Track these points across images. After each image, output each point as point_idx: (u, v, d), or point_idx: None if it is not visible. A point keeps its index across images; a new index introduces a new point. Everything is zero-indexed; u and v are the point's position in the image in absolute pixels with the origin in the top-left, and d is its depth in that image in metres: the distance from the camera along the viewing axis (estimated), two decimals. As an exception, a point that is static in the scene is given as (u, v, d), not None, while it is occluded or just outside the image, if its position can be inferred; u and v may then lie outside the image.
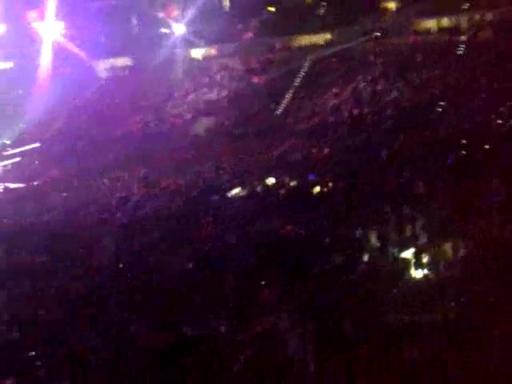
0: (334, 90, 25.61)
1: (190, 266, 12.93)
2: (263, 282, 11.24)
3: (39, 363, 9.66)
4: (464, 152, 15.91)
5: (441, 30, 27.56)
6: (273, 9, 33.25)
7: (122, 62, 33.91)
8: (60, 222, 17.81)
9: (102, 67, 33.71)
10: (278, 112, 25.95)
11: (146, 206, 17.73)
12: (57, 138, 27.30)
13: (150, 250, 14.03)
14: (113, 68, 33.90)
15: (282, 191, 16.69)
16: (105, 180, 21.10)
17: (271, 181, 17.58)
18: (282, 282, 11.04)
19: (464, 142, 16.45)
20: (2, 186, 23.83)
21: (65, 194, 21.17)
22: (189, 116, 28.26)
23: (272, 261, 12.09)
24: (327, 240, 12.63)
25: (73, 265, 13.82)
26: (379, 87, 24.50)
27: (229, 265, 12.35)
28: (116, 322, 10.69)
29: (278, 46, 31.11)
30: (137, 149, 23.86)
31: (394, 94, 23.55)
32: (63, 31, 30.93)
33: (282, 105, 26.32)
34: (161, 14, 32.57)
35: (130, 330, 10.43)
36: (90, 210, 18.25)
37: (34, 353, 10.04)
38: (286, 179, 17.30)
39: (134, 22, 34.49)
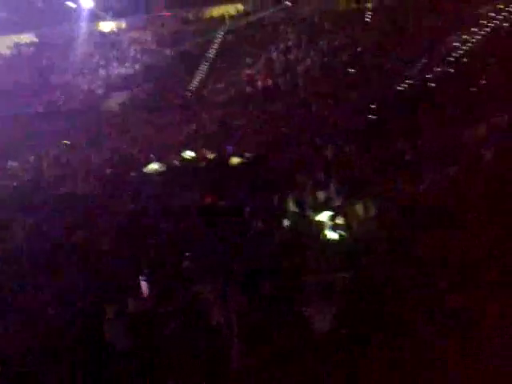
0: (249, 61, 25.62)
1: (109, 244, 12.67)
2: (187, 254, 11.22)
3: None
4: (373, 116, 16.44)
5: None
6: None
7: (27, 38, 32.29)
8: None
9: (4, 44, 31.96)
10: (194, 84, 25.68)
11: (58, 187, 17.01)
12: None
13: (66, 231, 13.59)
14: (17, 45, 32.20)
15: (201, 164, 16.55)
16: (11, 162, 19.95)
17: (189, 154, 17.38)
18: (205, 253, 11.06)
19: (373, 106, 17.01)
20: None
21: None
22: (101, 91, 27.46)
23: (193, 232, 12.08)
24: (247, 209, 12.75)
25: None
26: (292, 56, 24.77)
27: (149, 237, 12.25)
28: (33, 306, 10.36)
29: (190, 17, 30.70)
30: (46, 128, 22.84)
31: (307, 62, 23.90)
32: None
33: (197, 77, 26.06)
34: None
35: (49, 312, 10.16)
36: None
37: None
38: (205, 152, 17.16)
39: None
